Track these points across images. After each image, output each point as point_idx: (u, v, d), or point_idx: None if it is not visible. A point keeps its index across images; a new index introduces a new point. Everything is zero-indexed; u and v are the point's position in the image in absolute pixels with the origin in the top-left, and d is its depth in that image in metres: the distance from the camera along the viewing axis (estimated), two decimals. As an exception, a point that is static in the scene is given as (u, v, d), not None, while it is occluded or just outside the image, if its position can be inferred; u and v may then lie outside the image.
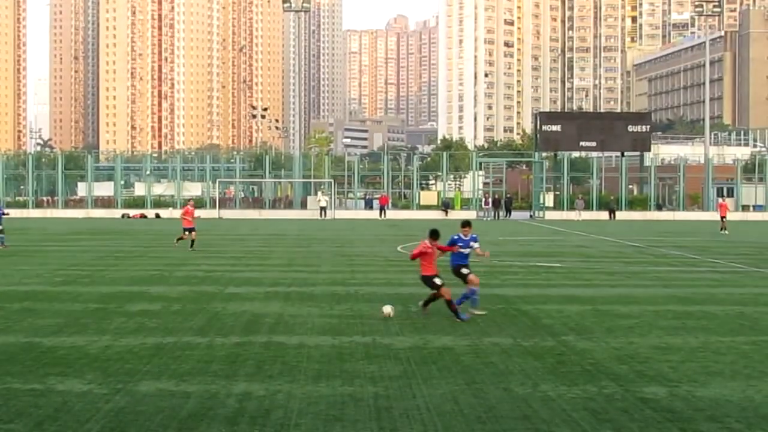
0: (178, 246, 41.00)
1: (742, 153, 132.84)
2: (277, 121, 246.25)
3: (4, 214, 41.63)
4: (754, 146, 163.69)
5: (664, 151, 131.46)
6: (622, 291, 25.03)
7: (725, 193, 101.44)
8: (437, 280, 19.25)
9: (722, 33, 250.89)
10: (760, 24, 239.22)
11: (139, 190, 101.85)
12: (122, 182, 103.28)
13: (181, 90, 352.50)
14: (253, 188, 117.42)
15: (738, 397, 12.40)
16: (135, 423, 10.92)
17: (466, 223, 20.83)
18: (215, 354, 15.35)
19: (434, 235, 19.64)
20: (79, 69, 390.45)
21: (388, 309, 19.21)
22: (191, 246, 40.03)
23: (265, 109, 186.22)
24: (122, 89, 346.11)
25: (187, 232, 40.92)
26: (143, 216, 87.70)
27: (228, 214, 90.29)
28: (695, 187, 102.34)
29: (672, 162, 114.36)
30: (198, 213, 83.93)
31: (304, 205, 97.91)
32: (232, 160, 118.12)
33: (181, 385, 12.97)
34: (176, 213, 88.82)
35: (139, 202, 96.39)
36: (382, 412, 11.45)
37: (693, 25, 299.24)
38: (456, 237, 20.61)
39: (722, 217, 62.41)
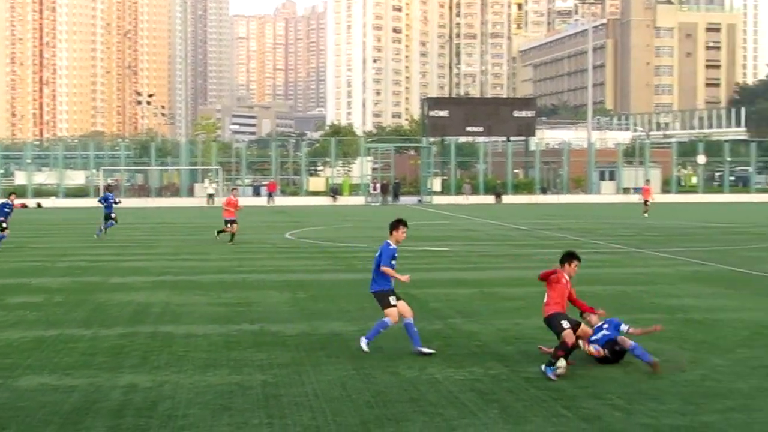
0: (219, 239, 37.63)
1: (624, 137, 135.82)
2: (163, 107, 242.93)
3: None
4: (635, 131, 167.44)
5: (549, 136, 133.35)
6: (508, 273, 25.39)
7: (607, 176, 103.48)
8: (564, 323, 13.09)
9: (604, 20, 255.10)
10: (640, 12, 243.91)
11: (20, 178, 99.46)
12: (2, 171, 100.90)
13: (63, 76, 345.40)
14: (139, 176, 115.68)
15: (619, 374, 12.68)
16: (15, 419, 10.69)
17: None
18: (100, 346, 15.12)
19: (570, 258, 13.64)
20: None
21: None
22: (231, 240, 36.93)
23: (151, 96, 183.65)
24: (1, 75, 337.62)
25: (228, 224, 37.56)
26: (24, 206, 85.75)
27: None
28: (579, 170, 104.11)
29: (556, 147, 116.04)
30: (85, 202, 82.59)
31: (191, 193, 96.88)
32: (116, 148, 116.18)
33: (64, 378, 12.74)
34: (59, 202, 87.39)
35: (19, 192, 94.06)
36: (270, 400, 11.43)
37: (577, 13, 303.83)
38: None
39: (645, 201, 62.02)
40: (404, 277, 14.68)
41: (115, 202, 42.33)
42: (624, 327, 13.46)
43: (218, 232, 38.16)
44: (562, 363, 12.49)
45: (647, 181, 75.00)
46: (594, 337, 13.32)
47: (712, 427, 10.15)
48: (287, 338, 15.70)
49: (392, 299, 14.33)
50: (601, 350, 13.16)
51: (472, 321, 17.36)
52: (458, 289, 22.01)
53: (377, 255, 14.59)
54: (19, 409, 11.10)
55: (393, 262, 14.45)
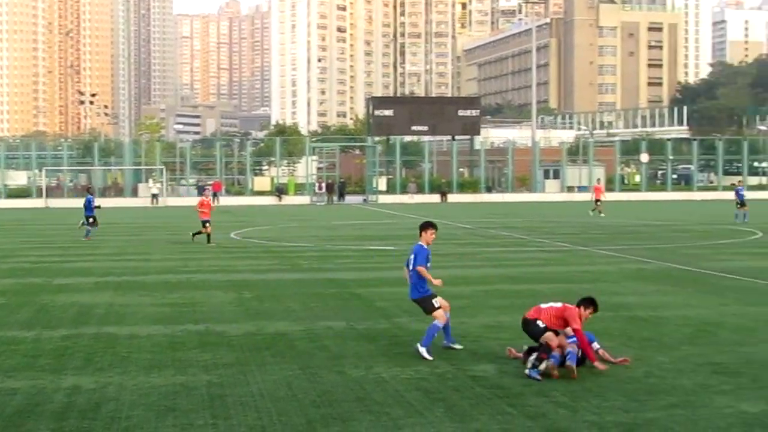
0: (196, 241, 36.99)
1: (568, 136, 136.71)
2: (106, 107, 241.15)
3: None
4: (579, 130, 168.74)
5: (494, 135, 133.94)
6: (453, 272, 25.43)
7: (552, 174, 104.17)
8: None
9: (548, 20, 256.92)
10: (583, 11, 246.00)
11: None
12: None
13: (4, 75, 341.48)
14: (82, 176, 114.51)
15: (563, 372, 12.74)
16: (-42, 421, 10.55)
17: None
18: (43, 348, 14.96)
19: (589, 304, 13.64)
20: None
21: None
22: (208, 241, 36.37)
23: (94, 95, 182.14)
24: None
25: (204, 225, 36.97)
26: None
27: (56, 203, 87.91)
28: (523, 169, 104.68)
29: (501, 145, 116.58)
30: (27, 203, 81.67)
31: (135, 193, 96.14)
32: (59, 148, 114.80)
33: (6, 381, 12.59)
34: (1, 203, 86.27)
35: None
36: (215, 401, 11.37)
37: (520, 12, 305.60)
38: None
39: (597, 200, 61.15)
40: (437, 281, 14.35)
41: (96, 206, 41.59)
42: (596, 345, 13.43)
43: (194, 234, 37.61)
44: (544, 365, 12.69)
45: (598, 180, 75.48)
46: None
47: (656, 424, 10.24)
48: (232, 338, 15.63)
49: (435, 302, 14.24)
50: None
51: (419, 320, 17.36)
52: (404, 288, 21.88)
53: (411, 258, 14.36)
54: (-40, 413, 10.95)
55: (428, 264, 14.33)
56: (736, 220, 49.01)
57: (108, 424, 10.39)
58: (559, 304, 13.33)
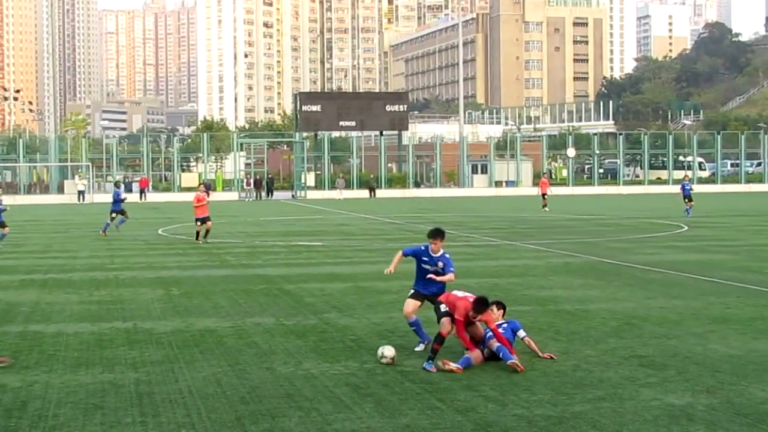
0: (208, 242, 34.58)
1: (495, 131, 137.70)
2: (30, 103, 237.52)
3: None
4: (506, 124, 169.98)
5: (421, 130, 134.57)
6: (382, 267, 25.23)
7: (480, 169, 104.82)
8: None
9: (474, 15, 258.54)
10: (509, 7, 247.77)
11: None
12: None
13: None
14: (7, 173, 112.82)
15: (492, 366, 12.83)
16: None
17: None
18: (-33, 346, 14.73)
19: (481, 306, 13.16)
20: None
21: (388, 353, 13.18)
22: (205, 236, 34.72)
23: (18, 92, 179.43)
24: None
25: (199, 223, 34.93)
26: None
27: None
28: (451, 164, 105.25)
29: (429, 140, 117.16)
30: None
31: (61, 190, 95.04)
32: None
33: (-70, 380, 12.38)
34: None
35: None
36: (144, 398, 11.29)
37: (447, 7, 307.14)
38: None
39: (543, 194, 60.84)
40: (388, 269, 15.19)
41: (122, 200, 40.82)
42: (521, 333, 13.51)
43: (204, 237, 34.97)
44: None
45: (544, 174, 75.85)
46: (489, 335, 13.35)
47: (583, 417, 10.36)
48: (161, 335, 15.51)
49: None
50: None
51: (347, 315, 17.41)
52: (333, 284, 22.05)
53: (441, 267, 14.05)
54: None
55: (424, 266, 14.29)
56: (687, 215, 48.81)
57: (35, 423, 10.27)
58: (471, 298, 13.26)
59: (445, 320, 13.16)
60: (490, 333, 13.25)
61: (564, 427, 10.01)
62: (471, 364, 12.81)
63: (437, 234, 14.24)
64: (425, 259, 14.18)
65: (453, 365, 12.68)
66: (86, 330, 16.12)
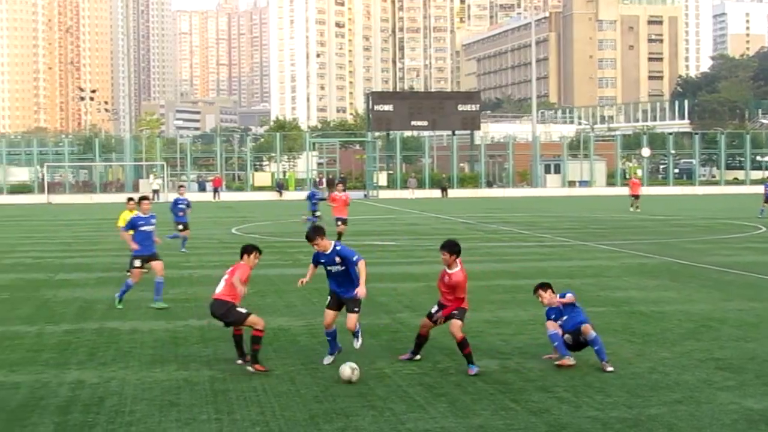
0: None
1: (568, 130, 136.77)
2: (106, 103, 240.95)
3: None
4: (579, 124, 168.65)
5: (494, 130, 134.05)
6: (454, 267, 25.39)
7: (552, 169, 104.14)
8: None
9: (547, 14, 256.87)
10: (582, 5, 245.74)
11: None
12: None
13: (4, 72, 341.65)
14: (83, 172, 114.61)
15: (565, 368, 12.75)
16: (-39, 416, 10.56)
17: None
18: (46, 342, 14.98)
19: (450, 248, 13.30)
20: None
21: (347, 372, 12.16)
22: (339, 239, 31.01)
23: (94, 92, 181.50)
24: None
25: (340, 223, 33.65)
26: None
27: (58, 199, 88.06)
28: (524, 164, 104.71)
29: (501, 140, 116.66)
30: (29, 199, 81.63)
31: (136, 189, 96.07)
32: (60, 144, 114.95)
33: (10, 375, 12.61)
34: (3, 199, 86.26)
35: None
36: (218, 395, 11.38)
37: (519, 6, 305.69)
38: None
39: (634, 195, 59.47)
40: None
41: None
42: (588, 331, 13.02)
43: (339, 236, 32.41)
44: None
45: (635, 174, 74.71)
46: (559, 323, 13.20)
47: (659, 420, 10.24)
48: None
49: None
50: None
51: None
52: (405, 284, 22.04)
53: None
54: (-36, 408, 10.97)
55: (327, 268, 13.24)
56: (760, 216, 47.93)
57: (112, 418, 10.41)
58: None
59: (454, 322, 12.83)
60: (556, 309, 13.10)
61: (639, 430, 9.91)
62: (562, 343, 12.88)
63: (313, 235, 13.14)
64: (322, 260, 13.22)
65: (567, 360, 12.78)
66: (161, 327, 16.31)
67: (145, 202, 19.80)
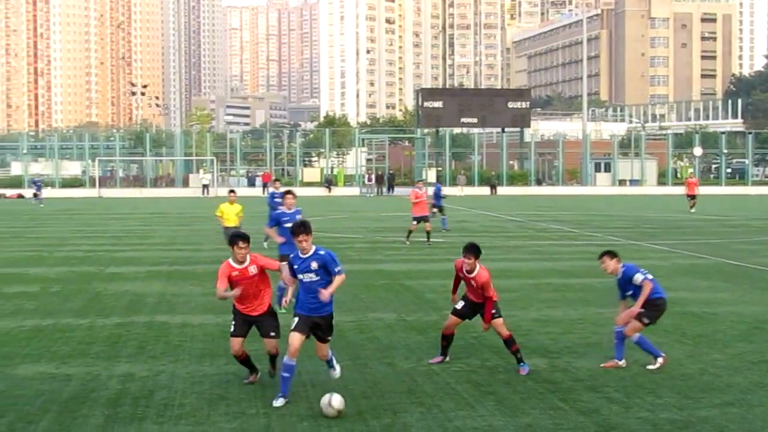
0: (410, 242, 32.87)
1: (619, 129, 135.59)
2: (157, 98, 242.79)
3: None
4: (630, 122, 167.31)
5: (544, 127, 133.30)
6: (503, 265, 25.32)
7: (603, 168, 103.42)
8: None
9: (598, 11, 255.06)
10: (634, 3, 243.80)
11: (16, 169, 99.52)
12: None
13: (57, 67, 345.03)
14: (133, 167, 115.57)
15: (615, 368, 12.66)
16: (14, 407, 10.68)
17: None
18: (96, 335, 15.11)
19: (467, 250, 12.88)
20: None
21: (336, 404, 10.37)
22: (427, 239, 32.63)
23: (145, 87, 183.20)
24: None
25: (416, 222, 33.12)
26: (20, 196, 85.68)
27: (108, 192, 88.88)
28: (574, 162, 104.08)
29: (551, 138, 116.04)
30: (79, 192, 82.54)
31: (186, 183, 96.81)
32: (111, 138, 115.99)
33: (62, 367, 12.74)
34: (55, 192, 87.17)
35: (15, 182, 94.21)
36: (267, 390, 11.42)
37: (570, 3, 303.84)
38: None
39: (692, 195, 58.09)
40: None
41: (443, 195, 38.88)
42: (639, 277, 12.94)
43: (408, 233, 33.34)
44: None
45: (691, 174, 73.83)
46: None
47: (710, 422, 10.14)
48: (283, 328, 15.60)
49: None
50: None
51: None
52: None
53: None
54: (17, 398, 11.10)
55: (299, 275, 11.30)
56: None
57: (161, 411, 10.48)
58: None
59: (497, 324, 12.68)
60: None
61: (690, 431, 9.82)
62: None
63: (295, 230, 11.25)
64: (296, 266, 11.23)
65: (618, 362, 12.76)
66: (210, 321, 16.39)
67: (289, 196, 18.69)
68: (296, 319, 11.13)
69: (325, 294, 10.86)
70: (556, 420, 10.20)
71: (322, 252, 11.13)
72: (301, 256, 11.17)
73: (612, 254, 13.10)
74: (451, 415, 10.35)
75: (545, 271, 24.14)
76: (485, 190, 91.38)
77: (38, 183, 72.99)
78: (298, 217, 17.76)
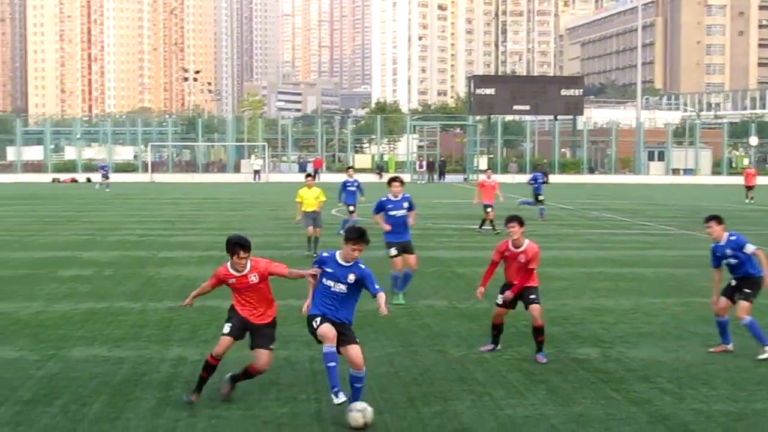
0: (483, 231, 32.45)
1: (673, 117, 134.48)
2: (209, 84, 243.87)
3: None
4: (685, 111, 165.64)
5: (597, 115, 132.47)
6: (555, 253, 25.21)
7: (656, 156, 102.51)
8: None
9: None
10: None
11: (70, 154, 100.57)
12: (52, 146, 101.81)
13: (111, 53, 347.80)
14: (186, 152, 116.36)
15: (669, 358, 12.56)
16: (68, 389, 10.79)
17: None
18: (149, 319, 15.24)
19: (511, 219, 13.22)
20: (6, 31, 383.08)
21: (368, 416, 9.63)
22: (493, 228, 31.89)
23: (197, 72, 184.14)
24: (51, 52, 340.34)
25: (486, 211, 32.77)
26: (74, 180, 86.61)
27: (160, 177, 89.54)
28: (627, 150, 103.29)
29: (604, 126, 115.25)
30: (131, 177, 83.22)
31: (237, 169, 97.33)
32: (164, 124, 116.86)
33: (115, 350, 12.85)
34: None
35: (69, 167, 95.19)
36: (318, 376, 11.44)
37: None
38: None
39: (749, 186, 56.87)
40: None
41: (544, 182, 39.39)
42: (750, 248, 13.36)
43: (481, 225, 32.93)
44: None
45: (750, 165, 72.84)
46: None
47: (765, 415, 10.03)
48: (291, 336, 15.65)
49: None
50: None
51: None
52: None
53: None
54: (72, 380, 11.22)
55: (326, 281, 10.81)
56: None
57: (212, 396, 10.53)
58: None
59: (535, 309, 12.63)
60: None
61: (744, 424, 9.71)
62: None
63: (356, 237, 10.77)
64: (330, 270, 10.67)
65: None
66: (262, 306, 16.41)
67: (396, 183, 17.81)
68: (319, 318, 10.34)
69: (384, 311, 10.03)
70: (608, 410, 10.12)
71: (362, 266, 10.45)
72: (340, 261, 10.56)
73: (719, 220, 13.42)
74: (502, 404, 10.31)
75: (597, 260, 23.99)
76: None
77: (106, 168, 73.40)
78: (405, 204, 17.61)
